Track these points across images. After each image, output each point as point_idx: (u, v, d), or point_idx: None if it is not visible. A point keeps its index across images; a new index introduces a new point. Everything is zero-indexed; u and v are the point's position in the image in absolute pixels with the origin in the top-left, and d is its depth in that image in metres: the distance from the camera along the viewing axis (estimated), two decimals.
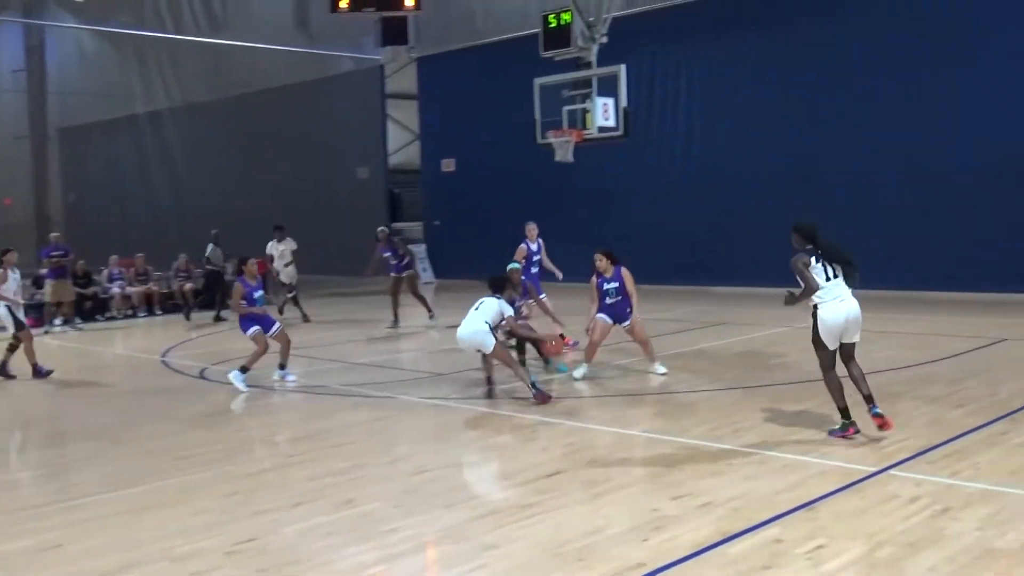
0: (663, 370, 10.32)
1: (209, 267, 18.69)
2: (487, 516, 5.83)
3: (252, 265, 10.77)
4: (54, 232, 20.44)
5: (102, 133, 35.25)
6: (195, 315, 18.08)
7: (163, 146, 32.43)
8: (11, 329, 12.01)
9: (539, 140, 14.47)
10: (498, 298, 9.41)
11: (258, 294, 10.67)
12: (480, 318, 9.24)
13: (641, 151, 19.94)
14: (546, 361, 10.89)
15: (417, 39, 24.84)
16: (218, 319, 17.43)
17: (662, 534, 5.35)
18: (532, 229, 12.65)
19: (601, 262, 10.18)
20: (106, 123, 34.63)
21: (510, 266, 10.99)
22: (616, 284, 10.19)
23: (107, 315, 19.09)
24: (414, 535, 5.55)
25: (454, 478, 6.70)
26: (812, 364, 10.48)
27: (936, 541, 5.08)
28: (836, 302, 7.08)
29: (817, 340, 7.21)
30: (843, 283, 7.16)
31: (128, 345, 15.79)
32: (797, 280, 7.13)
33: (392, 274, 15.68)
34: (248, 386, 10.34)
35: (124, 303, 19.55)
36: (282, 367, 10.92)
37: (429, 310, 15.57)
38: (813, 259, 7.10)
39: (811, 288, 7.05)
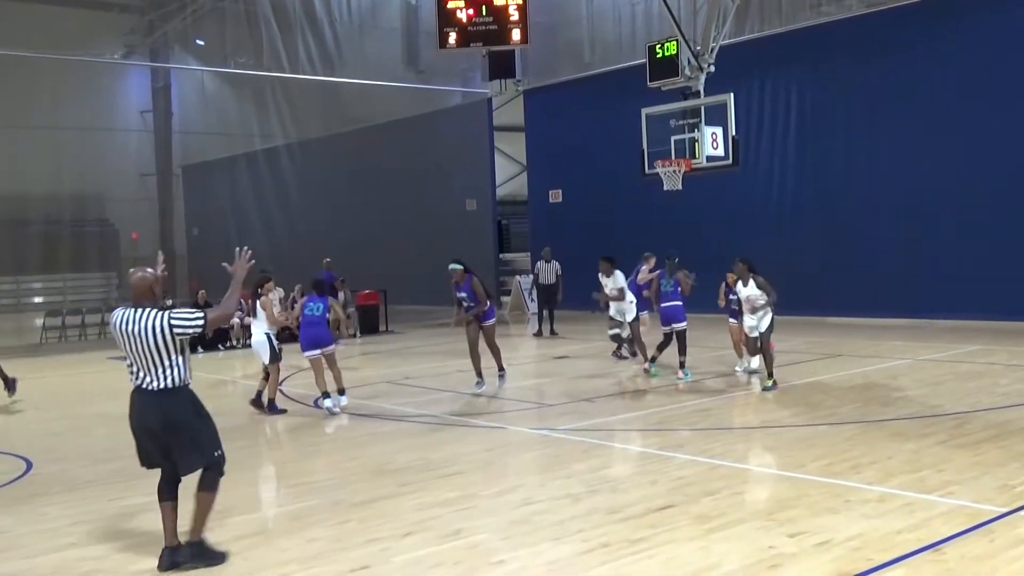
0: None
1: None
2: (596, 550, 5.77)
3: None
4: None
5: (222, 169, 36.75)
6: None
7: (279, 181, 33.57)
8: (266, 359, 11.58)
9: (647, 170, 14.36)
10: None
11: None
12: None
13: (749, 180, 19.62)
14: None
15: (524, 72, 25.13)
16: None
17: (779, 573, 5.20)
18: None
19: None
20: (226, 160, 36.10)
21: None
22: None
23: (227, 344, 19.77)
24: (521, 568, 5.54)
25: (562, 510, 6.66)
26: (935, 399, 10.06)
27: None
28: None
29: None
30: None
31: (247, 374, 16.27)
32: None
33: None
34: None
35: (244, 332, 20.21)
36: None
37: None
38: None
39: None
